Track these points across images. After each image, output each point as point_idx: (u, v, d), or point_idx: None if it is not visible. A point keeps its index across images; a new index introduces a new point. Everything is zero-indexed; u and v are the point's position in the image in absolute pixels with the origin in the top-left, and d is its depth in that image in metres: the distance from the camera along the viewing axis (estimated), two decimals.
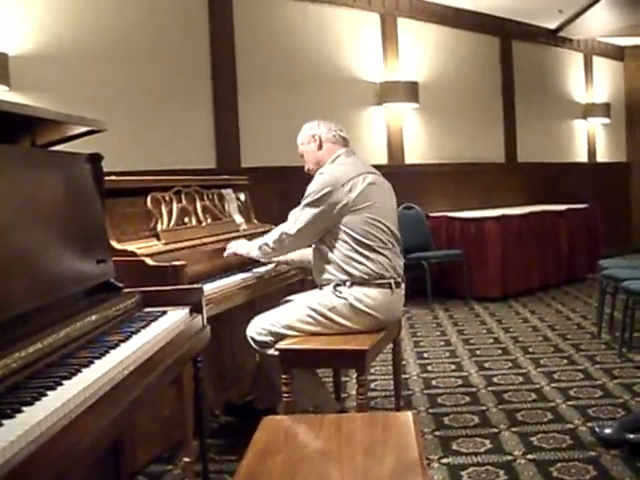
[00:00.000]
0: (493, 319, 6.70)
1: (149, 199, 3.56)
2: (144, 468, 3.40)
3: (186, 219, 3.80)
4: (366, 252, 3.47)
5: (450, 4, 8.50)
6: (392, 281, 3.51)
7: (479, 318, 6.78)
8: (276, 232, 3.63)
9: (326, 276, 3.55)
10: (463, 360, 5.21)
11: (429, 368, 5.04)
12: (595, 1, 8.50)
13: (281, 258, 3.87)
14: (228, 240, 3.96)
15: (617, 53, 11.30)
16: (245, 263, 3.88)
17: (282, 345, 3.35)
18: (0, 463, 1.24)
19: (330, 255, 3.52)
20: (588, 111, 10.62)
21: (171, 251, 3.41)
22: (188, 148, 6.21)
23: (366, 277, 3.45)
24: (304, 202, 3.53)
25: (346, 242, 3.48)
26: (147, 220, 3.54)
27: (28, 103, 2.30)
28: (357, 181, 3.52)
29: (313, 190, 3.51)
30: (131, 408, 1.83)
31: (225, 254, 3.79)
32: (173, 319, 2.40)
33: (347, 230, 3.48)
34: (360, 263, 3.45)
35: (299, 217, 3.53)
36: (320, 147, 3.71)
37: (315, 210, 3.48)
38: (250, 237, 4.09)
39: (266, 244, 3.66)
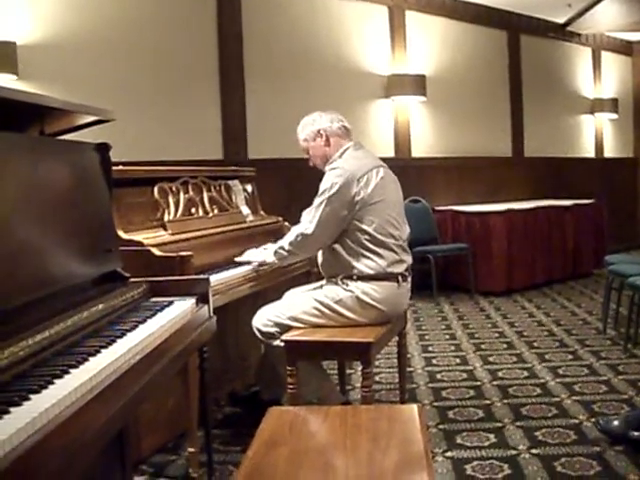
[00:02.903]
0: (498, 313, 6.70)
1: (156, 189, 3.56)
2: (148, 458, 3.41)
3: (193, 210, 3.79)
4: (377, 249, 3.44)
5: None
6: (399, 275, 3.50)
7: (484, 312, 6.78)
8: (291, 234, 3.55)
9: (334, 270, 3.53)
10: (468, 354, 5.21)
11: (434, 361, 5.04)
12: None
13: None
14: (234, 231, 3.97)
15: (626, 48, 11.26)
16: None
17: (287, 337, 3.35)
18: (7, 450, 1.24)
19: (340, 250, 3.47)
20: (596, 106, 10.60)
21: (178, 241, 3.41)
22: (195, 139, 6.21)
23: (373, 273, 3.44)
24: (319, 199, 3.44)
25: (358, 238, 3.44)
26: (154, 210, 3.54)
27: (36, 92, 2.30)
28: (371, 175, 3.48)
29: (327, 186, 3.43)
30: (137, 397, 1.83)
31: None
32: (180, 309, 2.40)
33: (361, 225, 3.43)
34: (370, 259, 3.43)
35: (315, 215, 3.43)
36: (327, 143, 3.62)
37: (332, 207, 3.40)
38: (256, 230, 4.10)
39: (281, 247, 3.57)
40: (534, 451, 3.37)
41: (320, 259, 3.64)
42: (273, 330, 3.49)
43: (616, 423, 3.42)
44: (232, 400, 4.11)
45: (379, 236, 3.44)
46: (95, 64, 5.56)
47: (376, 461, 2.05)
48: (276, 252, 3.61)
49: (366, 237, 3.43)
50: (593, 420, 3.68)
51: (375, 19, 7.78)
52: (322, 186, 3.47)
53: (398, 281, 3.49)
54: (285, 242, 3.56)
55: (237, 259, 3.75)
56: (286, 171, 6.59)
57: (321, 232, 3.45)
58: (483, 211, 7.86)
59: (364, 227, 3.43)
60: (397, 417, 2.41)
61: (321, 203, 3.43)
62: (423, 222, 7.61)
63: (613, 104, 10.68)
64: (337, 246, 3.49)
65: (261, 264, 3.71)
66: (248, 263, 3.72)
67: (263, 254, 3.71)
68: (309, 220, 3.46)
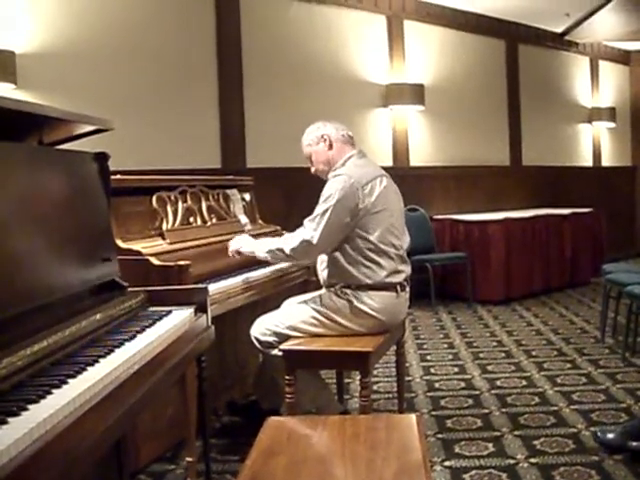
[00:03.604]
0: (496, 322, 6.69)
1: (154, 198, 3.56)
2: (146, 467, 3.40)
3: (191, 219, 3.80)
4: (378, 258, 3.42)
5: (457, 7, 8.50)
6: (398, 285, 3.50)
7: (482, 321, 6.78)
8: (294, 240, 3.44)
9: (333, 279, 3.51)
10: (466, 363, 5.21)
11: (432, 370, 5.04)
12: (602, 5, 8.48)
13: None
14: None
15: (623, 57, 11.30)
16: (250, 263, 3.86)
17: (286, 346, 3.35)
18: (5, 461, 1.25)
19: (340, 259, 3.45)
20: (593, 115, 10.63)
21: (176, 251, 3.41)
22: (194, 148, 6.22)
23: (371, 283, 3.43)
24: (324, 206, 3.38)
25: (359, 246, 3.41)
26: (152, 219, 3.54)
27: (35, 101, 2.31)
28: (375, 183, 3.47)
29: (332, 192, 3.38)
30: (136, 407, 1.83)
31: (229, 251, 3.69)
32: (178, 319, 2.40)
33: (363, 233, 3.41)
34: (369, 269, 3.42)
35: (320, 223, 3.36)
36: (330, 147, 3.61)
37: (337, 213, 3.35)
38: (254, 237, 4.09)
39: (281, 250, 3.46)
40: (533, 460, 3.37)
41: (319, 268, 3.63)
42: (271, 339, 3.49)
43: (613, 436, 3.41)
44: (231, 409, 4.10)
45: (381, 245, 3.43)
46: (93, 74, 5.57)
47: (375, 470, 2.05)
48: (273, 252, 3.51)
49: (368, 245, 3.42)
50: (592, 429, 3.68)
51: (373, 28, 7.80)
52: (326, 192, 3.43)
53: (397, 291, 3.48)
54: (287, 246, 3.46)
55: (230, 250, 3.71)
56: (284, 180, 6.60)
57: (325, 240, 3.39)
58: (481, 220, 7.86)
59: (366, 235, 3.41)
60: (395, 426, 2.41)
61: (326, 211, 3.37)
62: (421, 231, 7.61)
63: (611, 113, 10.70)
64: (337, 254, 3.46)
65: (248, 253, 3.65)
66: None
67: (253, 245, 3.64)
68: (313, 228, 3.39)
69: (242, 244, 3.69)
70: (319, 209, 3.41)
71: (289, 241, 3.48)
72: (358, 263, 3.42)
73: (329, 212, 3.36)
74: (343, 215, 3.38)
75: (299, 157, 3.79)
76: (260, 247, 3.61)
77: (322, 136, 3.63)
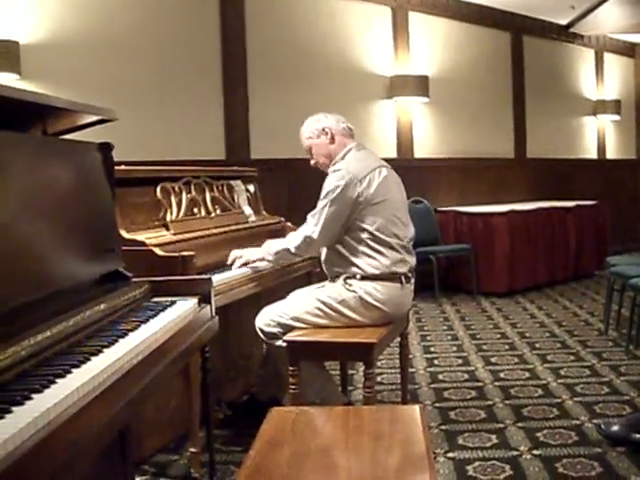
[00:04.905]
0: (500, 314, 6.69)
1: (159, 189, 3.55)
2: (150, 458, 3.41)
3: (195, 210, 3.79)
4: (381, 248, 3.43)
5: None
6: (402, 276, 3.50)
7: (486, 313, 6.78)
8: (297, 237, 3.52)
9: (337, 269, 3.52)
10: (470, 355, 5.21)
11: (436, 362, 5.04)
12: None
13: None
14: (237, 231, 3.96)
15: (628, 50, 11.26)
16: None
17: (290, 337, 3.35)
18: (10, 450, 1.24)
19: (343, 250, 3.48)
20: (598, 108, 10.60)
21: (180, 241, 3.41)
22: (198, 139, 6.22)
23: (377, 273, 3.43)
24: (324, 201, 3.45)
25: (361, 237, 3.43)
26: (156, 210, 3.53)
27: (39, 91, 2.30)
28: (374, 175, 3.49)
29: (331, 188, 3.43)
30: (139, 397, 1.83)
31: (235, 267, 3.60)
32: (182, 309, 2.40)
33: (364, 225, 3.43)
34: (373, 258, 3.43)
35: (320, 218, 3.43)
36: (332, 141, 3.62)
37: (336, 208, 3.41)
38: (258, 230, 4.09)
39: (286, 250, 3.54)
40: (535, 452, 3.37)
41: (323, 258, 3.63)
42: (276, 330, 3.49)
43: (617, 428, 3.41)
44: (230, 408, 4.09)
45: (382, 235, 3.44)
46: (98, 64, 5.57)
47: (378, 462, 2.05)
48: (279, 253, 3.57)
49: (368, 236, 3.43)
50: (595, 421, 3.68)
51: (378, 20, 7.78)
52: (325, 188, 3.48)
53: (401, 282, 3.48)
54: (290, 245, 3.53)
55: (235, 266, 3.65)
56: (288, 171, 6.59)
57: (326, 234, 3.45)
58: (485, 212, 7.86)
59: (366, 226, 3.43)
60: (399, 418, 2.41)
61: (325, 206, 3.43)
62: (425, 223, 7.60)
63: (616, 106, 10.68)
64: (339, 246, 3.49)
65: (257, 261, 3.63)
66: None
67: (260, 252, 3.63)
68: (314, 223, 3.45)
69: (248, 255, 3.64)
70: (320, 205, 3.47)
71: (292, 239, 3.55)
72: (360, 253, 3.44)
73: (327, 206, 3.42)
74: (343, 209, 3.42)
75: (303, 148, 3.78)
76: (266, 251, 3.61)
77: (323, 129, 3.63)
